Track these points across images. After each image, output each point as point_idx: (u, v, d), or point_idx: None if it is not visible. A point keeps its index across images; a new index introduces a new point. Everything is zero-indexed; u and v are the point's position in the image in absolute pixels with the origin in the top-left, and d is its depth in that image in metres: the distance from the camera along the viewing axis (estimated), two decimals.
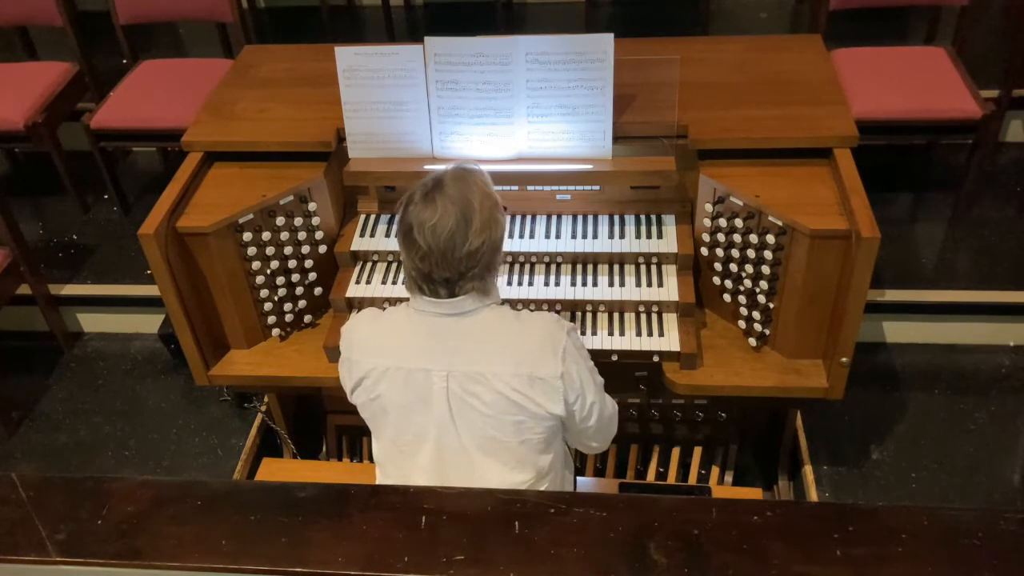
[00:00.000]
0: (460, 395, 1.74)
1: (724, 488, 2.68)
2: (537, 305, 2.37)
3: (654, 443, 2.76)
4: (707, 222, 2.31)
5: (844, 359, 2.18)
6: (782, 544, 1.26)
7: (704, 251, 2.36)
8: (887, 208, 3.54)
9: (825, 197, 2.17)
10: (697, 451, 2.74)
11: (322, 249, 2.45)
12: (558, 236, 2.44)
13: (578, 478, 2.53)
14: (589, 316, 2.36)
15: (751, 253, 2.24)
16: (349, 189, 2.54)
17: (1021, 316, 3.16)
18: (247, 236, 2.30)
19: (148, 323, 3.49)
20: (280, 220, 2.33)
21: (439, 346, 1.74)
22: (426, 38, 2.25)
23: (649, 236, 2.42)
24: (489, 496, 1.53)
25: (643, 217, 2.46)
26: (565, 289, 2.36)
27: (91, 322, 3.59)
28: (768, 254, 2.19)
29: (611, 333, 2.31)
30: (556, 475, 1.90)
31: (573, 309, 2.38)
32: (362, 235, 2.49)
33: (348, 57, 2.30)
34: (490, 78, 2.26)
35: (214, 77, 3.09)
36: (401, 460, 1.86)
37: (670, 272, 2.39)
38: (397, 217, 1.75)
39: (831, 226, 2.08)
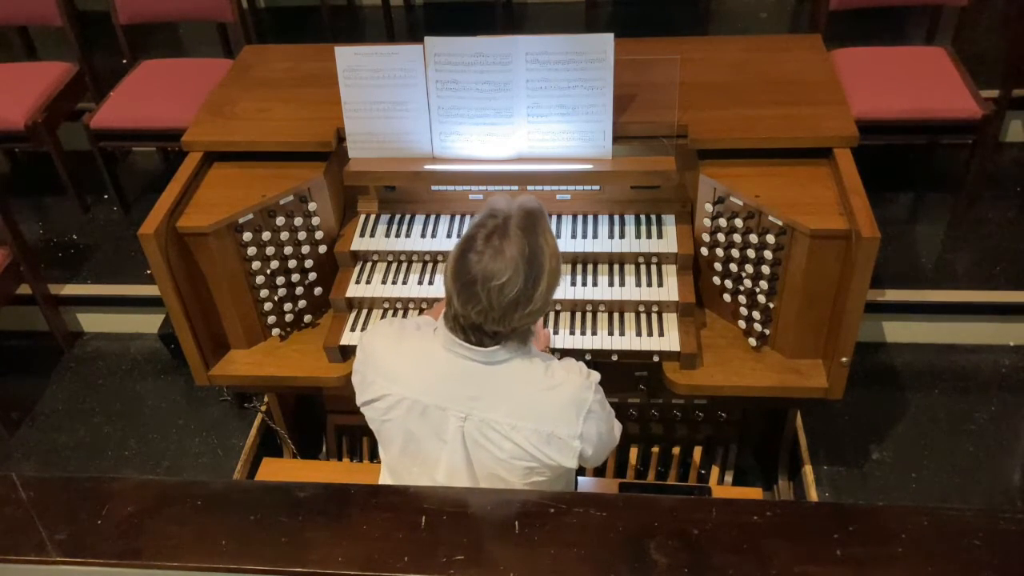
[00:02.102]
0: (476, 437, 1.69)
1: (724, 488, 2.68)
2: None
3: (654, 443, 2.76)
4: (707, 222, 2.31)
5: (844, 359, 2.18)
6: (782, 544, 1.27)
7: (704, 251, 2.36)
8: (887, 208, 3.54)
9: (825, 197, 2.16)
10: (697, 451, 2.74)
11: (322, 249, 2.45)
12: (558, 236, 2.44)
13: (578, 478, 2.53)
14: (589, 316, 2.36)
15: (751, 253, 2.24)
16: (349, 189, 2.54)
17: (1021, 316, 3.16)
18: (247, 236, 2.30)
19: (148, 323, 3.49)
20: (280, 220, 2.33)
21: (462, 389, 1.67)
22: (426, 38, 2.25)
23: (649, 236, 2.42)
24: (489, 496, 1.53)
25: (643, 217, 2.46)
26: (565, 289, 2.36)
27: (91, 322, 3.59)
28: (768, 254, 2.19)
29: (611, 333, 2.31)
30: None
31: (573, 309, 2.38)
32: (362, 235, 2.49)
33: (348, 57, 2.30)
34: (490, 78, 2.26)
35: (214, 77, 3.09)
36: (408, 477, 1.83)
37: (670, 272, 2.39)
38: (454, 257, 1.61)
39: (831, 226, 2.08)
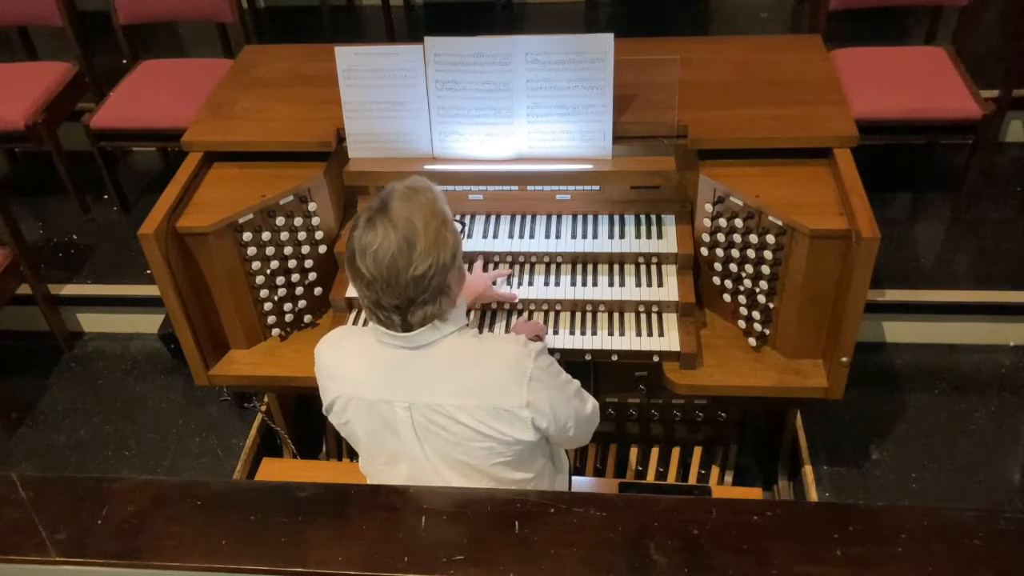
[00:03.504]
0: (425, 424, 1.70)
1: (724, 488, 2.68)
2: (537, 305, 2.37)
3: (654, 443, 2.76)
4: (707, 222, 2.31)
5: (844, 359, 2.18)
6: (782, 544, 1.27)
7: (704, 251, 2.36)
8: (887, 208, 3.54)
9: (825, 197, 2.16)
10: (697, 451, 2.74)
11: (322, 249, 2.45)
12: (558, 236, 2.44)
13: (578, 478, 2.53)
14: (589, 316, 2.36)
15: (751, 253, 2.24)
16: (349, 189, 2.54)
17: (1021, 316, 3.16)
18: (247, 236, 2.30)
19: (148, 323, 3.49)
20: (280, 220, 2.33)
21: (400, 378, 1.68)
22: (426, 38, 2.25)
23: (649, 236, 2.42)
24: (489, 496, 1.53)
25: (643, 217, 2.46)
26: (565, 289, 2.36)
27: (91, 322, 3.59)
28: (768, 254, 2.19)
29: (611, 333, 2.31)
30: (542, 483, 1.88)
31: (573, 309, 2.38)
32: None
33: (348, 57, 2.30)
34: (490, 78, 2.26)
35: (214, 77, 3.09)
36: (380, 476, 1.86)
37: (670, 272, 2.39)
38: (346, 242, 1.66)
39: (831, 226, 2.08)
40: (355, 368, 1.74)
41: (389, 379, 1.69)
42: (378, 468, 1.84)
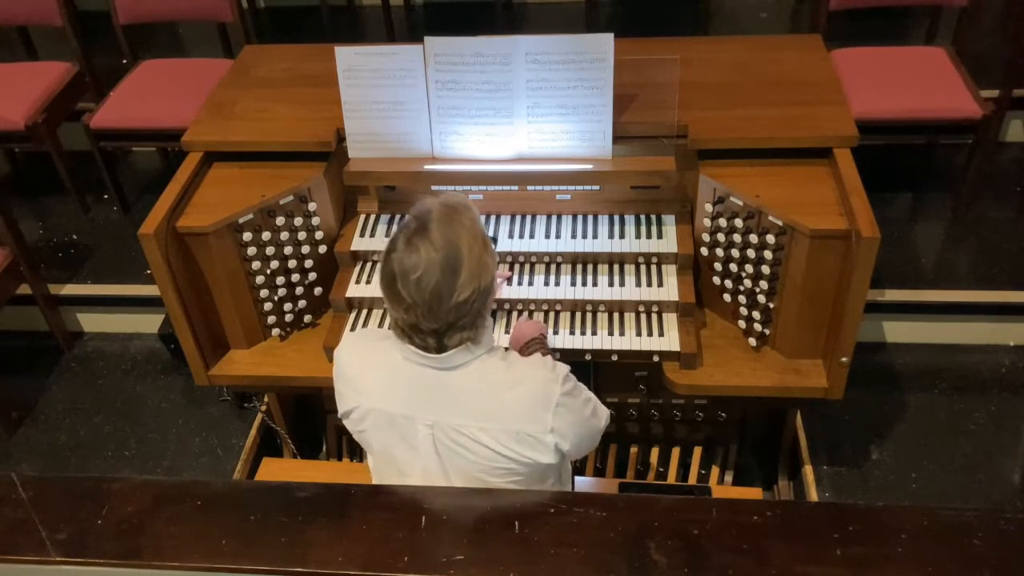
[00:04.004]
0: (447, 443, 1.67)
1: (724, 488, 2.68)
2: (537, 305, 2.37)
3: (654, 443, 2.76)
4: (707, 222, 2.31)
5: (844, 359, 2.18)
6: (782, 544, 1.27)
7: (704, 251, 2.36)
8: (887, 208, 3.54)
9: (825, 197, 2.16)
10: (697, 451, 2.74)
11: (322, 249, 2.45)
12: (558, 236, 2.44)
13: (578, 478, 2.53)
14: (589, 316, 2.36)
15: (751, 253, 2.24)
16: (349, 189, 2.54)
17: (1021, 316, 3.16)
18: (247, 236, 2.30)
19: (148, 323, 3.49)
20: (280, 220, 2.33)
21: (426, 397, 1.66)
22: (426, 38, 2.25)
23: (649, 236, 2.42)
24: (489, 496, 1.53)
25: (643, 217, 2.46)
26: (565, 289, 2.36)
27: (91, 322, 3.59)
28: (768, 254, 2.19)
29: (611, 333, 2.31)
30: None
31: (573, 309, 2.38)
32: (362, 235, 2.49)
33: (348, 57, 2.30)
34: (490, 78, 2.26)
35: (214, 77, 3.08)
36: (390, 481, 1.84)
37: (670, 272, 2.39)
38: (380, 263, 1.63)
39: (831, 226, 2.08)
40: (379, 381, 1.71)
41: (414, 396, 1.67)
42: (389, 475, 1.82)
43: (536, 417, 1.64)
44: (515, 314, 2.39)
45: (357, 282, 2.44)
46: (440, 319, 1.57)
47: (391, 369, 1.69)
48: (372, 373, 1.73)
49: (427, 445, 1.69)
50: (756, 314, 2.31)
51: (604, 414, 1.85)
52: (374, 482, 1.93)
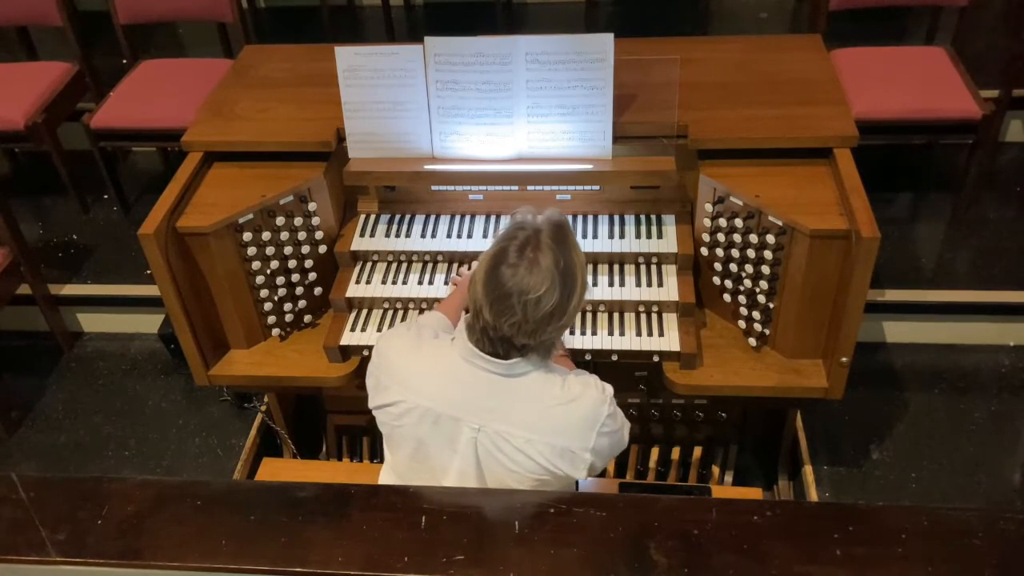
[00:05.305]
0: (489, 448, 1.68)
1: (724, 488, 2.68)
2: None
3: (654, 443, 2.76)
4: (707, 222, 2.31)
5: (844, 359, 2.18)
6: (782, 544, 1.27)
7: (704, 251, 2.36)
8: (887, 208, 3.54)
9: (825, 197, 2.16)
10: (697, 451, 2.74)
11: (322, 249, 2.45)
12: None
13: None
14: (589, 316, 2.36)
15: (751, 253, 2.24)
16: (349, 189, 2.54)
17: (1021, 316, 3.16)
18: (247, 236, 2.30)
19: (148, 323, 3.49)
20: (280, 220, 2.33)
21: (477, 401, 1.67)
22: (426, 38, 2.25)
23: (649, 236, 2.42)
24: (489, 496, 1.53)
25: (643, 217, 2.46)
26: None
27: (91, 322, 3.59)
28: (768, 254, 2.19)
29: (611, 333, 2.31)
30: None
31: None
32: (362, 235, 2.49)
33: (348, 57, 2.30)
34: (490, 78, 2.26)
35: (214, 77, 3.09)
36: (416, 482, 1.82)
37: (670, 272, 2.39)
38: (484, 270, 1.60)
39: (831, 226, 2.08)
40: (431, 380, 1.71)
41: (467, 399, 1.67)
42: (419, 474, 1.80)
43: (583, 436, 1.67)
44: None
45: (357, 282, 2.44)
46: (533, 336, 1.60)
47: (447, 369, 1.70)
48: (424, 370, 1.73)
49: (469, 448, 1.69)
50: (756, 314, 2.31)
51: (627, 430, 1.87)
52: (393, 481, 1.90)
